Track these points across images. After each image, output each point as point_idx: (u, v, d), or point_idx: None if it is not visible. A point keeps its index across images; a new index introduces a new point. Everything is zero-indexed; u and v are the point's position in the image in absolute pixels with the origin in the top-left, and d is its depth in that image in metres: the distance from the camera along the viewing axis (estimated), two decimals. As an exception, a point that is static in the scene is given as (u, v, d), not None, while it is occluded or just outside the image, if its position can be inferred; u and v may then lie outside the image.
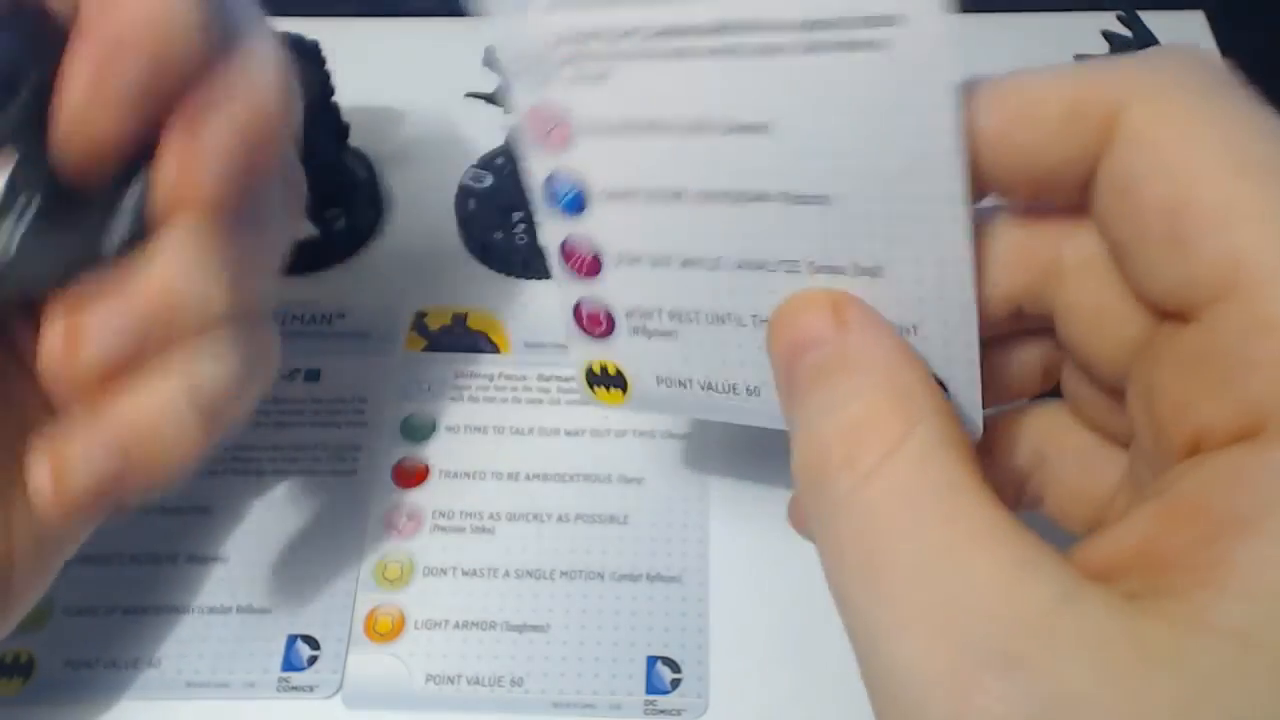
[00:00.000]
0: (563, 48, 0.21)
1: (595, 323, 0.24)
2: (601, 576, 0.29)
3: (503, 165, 0.37)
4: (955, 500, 0.16)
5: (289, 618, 0.29)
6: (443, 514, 0.30)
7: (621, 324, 0.23)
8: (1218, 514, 0.15)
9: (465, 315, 0.34)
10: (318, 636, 0.28)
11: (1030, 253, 0.19)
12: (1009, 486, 0.22)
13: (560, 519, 0.30)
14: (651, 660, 0.28)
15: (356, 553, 0.30)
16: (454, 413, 0.32)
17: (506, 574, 0.29)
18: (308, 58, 0.36)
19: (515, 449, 0.32)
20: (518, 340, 0.34)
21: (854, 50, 0.19)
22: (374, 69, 0.41)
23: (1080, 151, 0.17)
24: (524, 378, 0.33)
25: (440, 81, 0.37)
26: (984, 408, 0.21)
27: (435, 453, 0.32)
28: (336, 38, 0.37)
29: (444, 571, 0.29)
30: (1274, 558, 0.14)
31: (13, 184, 0.19)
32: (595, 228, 0.23)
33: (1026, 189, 0.19)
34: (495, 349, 0.34)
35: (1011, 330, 0.20)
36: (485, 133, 0.38)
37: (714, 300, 0.22)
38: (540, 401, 0.33)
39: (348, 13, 0.43)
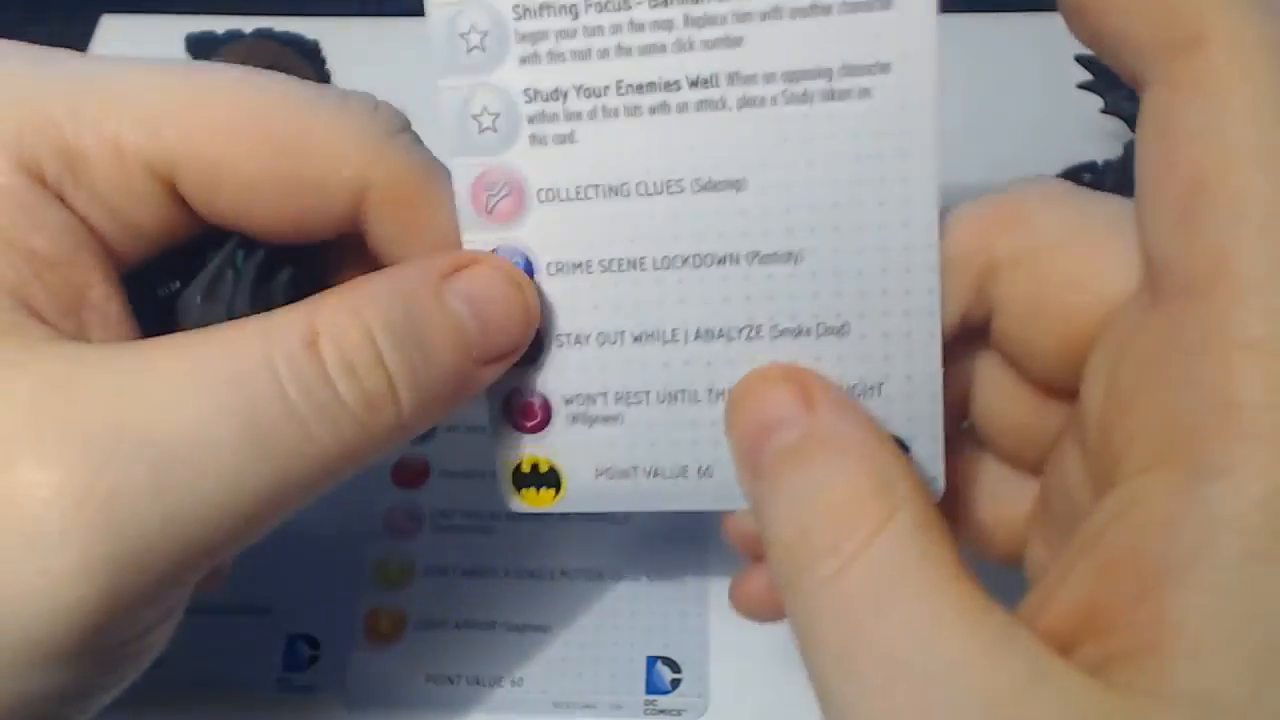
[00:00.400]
0: (533, 105, 0.20)
1: (529, 415, 0.22)
2: (601, 576, 0.29)
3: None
4: (931, 583, 0.16)
5: (289, 618, 0.29)
6: (443, 514, 0.30)
7: (560, 413, 0.22)
8: (1149, 565, 0.14)
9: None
10: (318, 636, 0.28)
11: (967, 251, 0.19)
12: None
13: (560, 519, 0.30)
14: (651, 660, 0.28)
15: (356, 553, 0.30)
16: (454, 413, 0.32)
17: (506, 574, 0.29)
18: (308, 58, 0.36)
19: (515, 449, 0.32)
20: (518, 340, 0.34)
21: (838, 99, 0.19)
22: (374, 69, 0.41)
23: (1149, 46, 0.16)
24: (524, 378, 0.33)
25: (440, 81, 0.37)
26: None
27: (435, 453, 0.32)
28: (336, 38, 0.37)
29: (444, 571, 0.29)
30: (1207, 610, 0.14)
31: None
32: (541, 308, 0.21)
33: (1090, 37, 0.17)
34: (495, 349, 0.34)
35: (953, 343, 0.20)
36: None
37: (667, 376, 0.21)
38: (540, 401, 0.33)
39: (348, 13, 0.43)
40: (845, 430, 0.18)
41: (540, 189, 0.20)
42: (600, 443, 0.22)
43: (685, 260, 0.20)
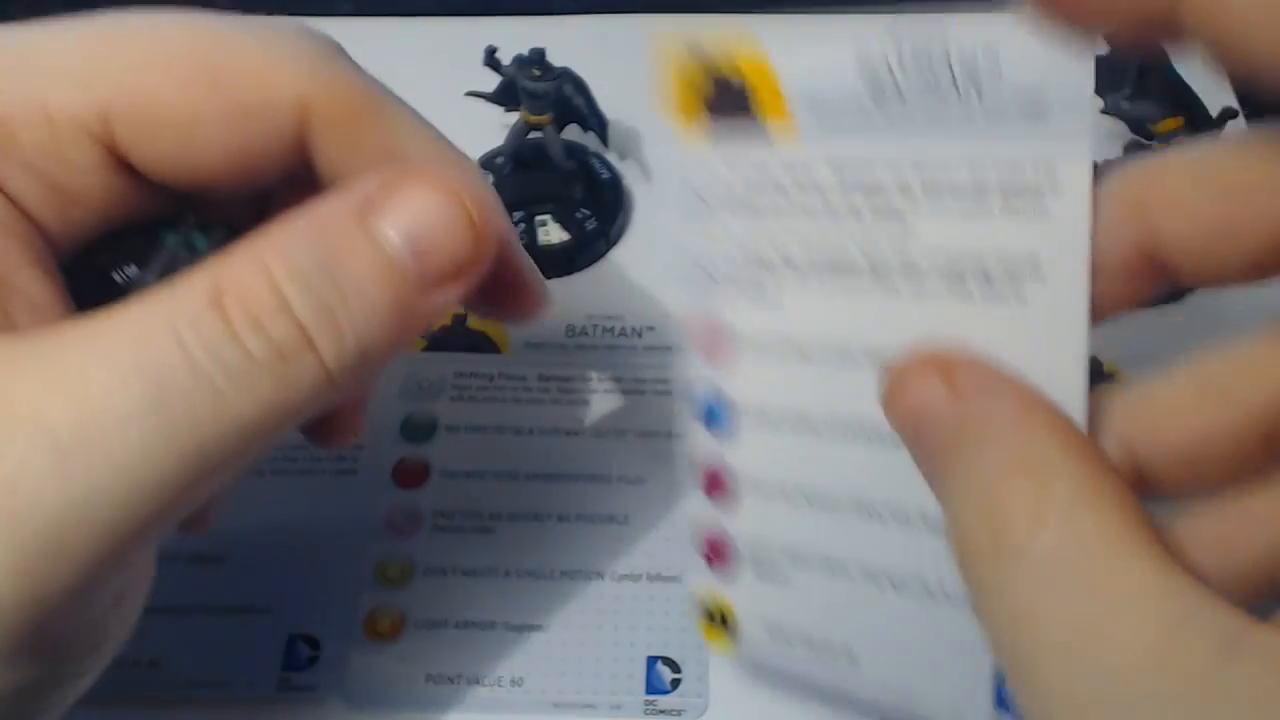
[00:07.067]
0: (749, 267, 0.22)
1: (717, 552, 0.23)
2: (601, 576, 0.29)
3: (503, 165, 0.37)
4: (1105, 564, 0.15)
5: (289, 618, 0.29)
6: (443, 514, 0.30)
7: (744, 559, 0.23)
8: None
9: (465, 315, 0.34)
10: (318, 636, 0.28)
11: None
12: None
13: (560, 519, 0.30)
14: (651, 660, 0.28)
15: (356, 553, 0.30)
16: (454, 413, 0.32)
17: (506, 574, 0.29)
18: (308, 58, 0.36)
19: (515, 449, 0.32)
20: (517, 340, 0.34)
21: (996, 302, 0.20)
22: (374, 69, 0.41)
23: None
24: (524, 378, 0.33)
25: (440, 81, 0.37)
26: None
27: (435, 453, 0.32)
28: (336, 38, 0.37)
29: (444, 571, 0.29)
30: None
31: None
32: (735, 451, 0.23)
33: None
34: (495, 349, 0.34)
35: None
36: (485, 132, 0.38)
37: (828, 545, 0.22)
38: (540, 401, 0.33)
39: (348, 12, 0.43)
40: (991, 419, 0.18)
41: (746, 341, 0.22)
42: (773, 598, 0.23)
43: (856, 432, 0.21)
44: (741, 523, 0.23)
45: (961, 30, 0.19)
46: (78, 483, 0.16)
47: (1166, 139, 0.32)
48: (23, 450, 0.16)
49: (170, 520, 0.17)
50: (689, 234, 0.22)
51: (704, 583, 0.23)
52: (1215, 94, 0.37)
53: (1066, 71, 0.19)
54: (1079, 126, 0.19)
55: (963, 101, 0.19)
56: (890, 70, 0.20)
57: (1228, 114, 0.32)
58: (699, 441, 0.23)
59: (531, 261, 0.24)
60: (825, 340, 0.21)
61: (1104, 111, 0.34)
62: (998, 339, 0.20)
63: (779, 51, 0.21)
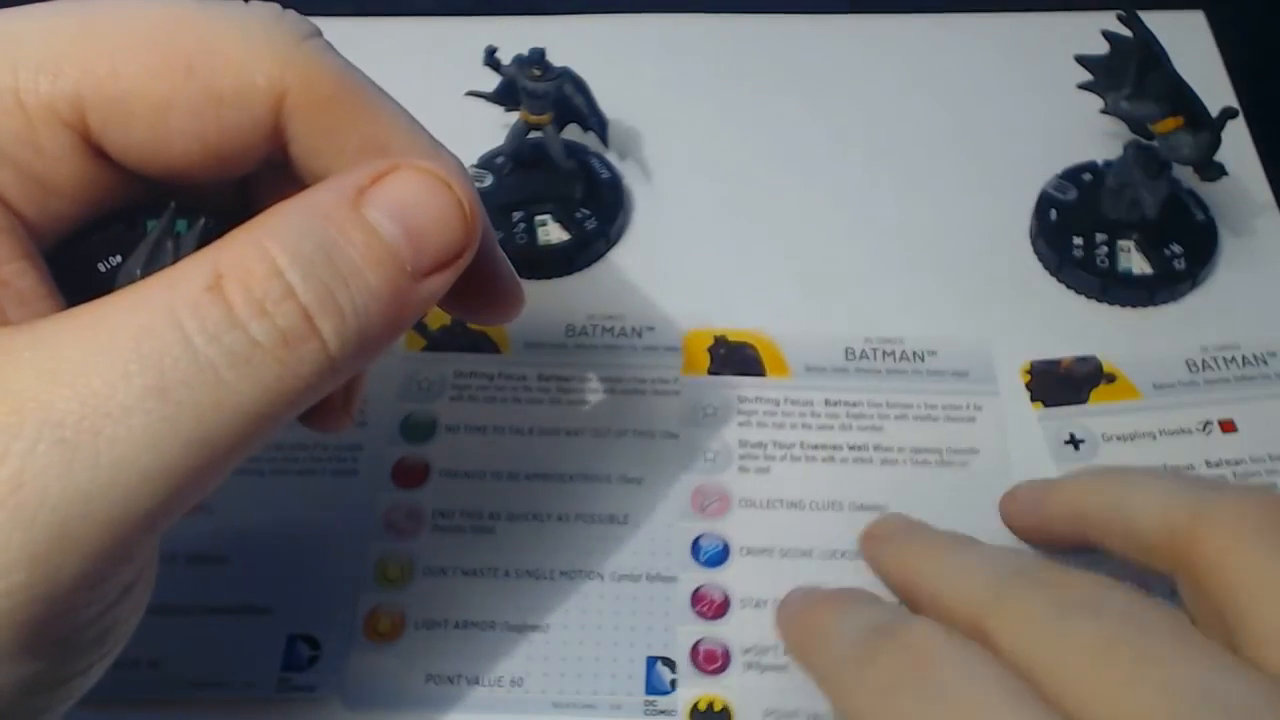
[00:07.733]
0: (744, 449, 0.31)
1: (711, 660, 0.27)
2: (601, 576, 0.29)
3: (502, 165, 0.37)
4: None
5: (289, 618, 0.29)
6: (443, 514, 0.30)
7: (737, 660, 0.27)
8: None
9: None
10: (318, 636, 0.28)
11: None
12: None
13: (560, 519, 0.30)
14: (651, 660, 0.28)
15: (356, 553, 0.30)
16: (454, 413, 0.32)
17: (506, 574, 0.29)
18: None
19: (515, 449, 0.32)
20: (517, 340, 0.34)
21: (946, 466, 0.30)
22: (374, 69, 0.41)
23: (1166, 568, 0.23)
24: (524, 378, 0.33)
25: (440, 81, 0.37)
26: None
27: (435, 453, 0.32)
28: (336, 38, 0.37)
29: (444, 571, 0.29)
30: None
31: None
32: (731, 577, 0.29)
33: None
34: (495, 349, 0.34)
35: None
36: (485, 133, 0.38)
37: None
38: (540, 401, 0.33)
39: (348, 12, 0.42)
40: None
41: (742, 499, 0.30)
42: (770, 687, 0.27)
43: (843, 554, 0.29)
44: (737, 632, 0.28)
45: (911, 336, 0.33)
46: (83, 475, 0.16)
47: (1166, 138, 0.32)
48: (27, 444, 0.15)
49: (177, 510, 0.17)
50: (697, 436, 0.31)
51: (695, 688, 0.27)
52: (1215, 94, 0.37)
53: (976, 355, 0.32)
54: (989, 381, 0.32)
55: (912, 367, 0.32)
56: (864, 350, 0.33)
57: (1228, 114, 0.32)
58: (695, 575, 0.29)
59: (506, 259, 0.24)
60: (813, 495, 0.30)
61: (1104, 111, 0.34)
62: (951, 487, 0.30)
63: (783, 334, 0.33)
